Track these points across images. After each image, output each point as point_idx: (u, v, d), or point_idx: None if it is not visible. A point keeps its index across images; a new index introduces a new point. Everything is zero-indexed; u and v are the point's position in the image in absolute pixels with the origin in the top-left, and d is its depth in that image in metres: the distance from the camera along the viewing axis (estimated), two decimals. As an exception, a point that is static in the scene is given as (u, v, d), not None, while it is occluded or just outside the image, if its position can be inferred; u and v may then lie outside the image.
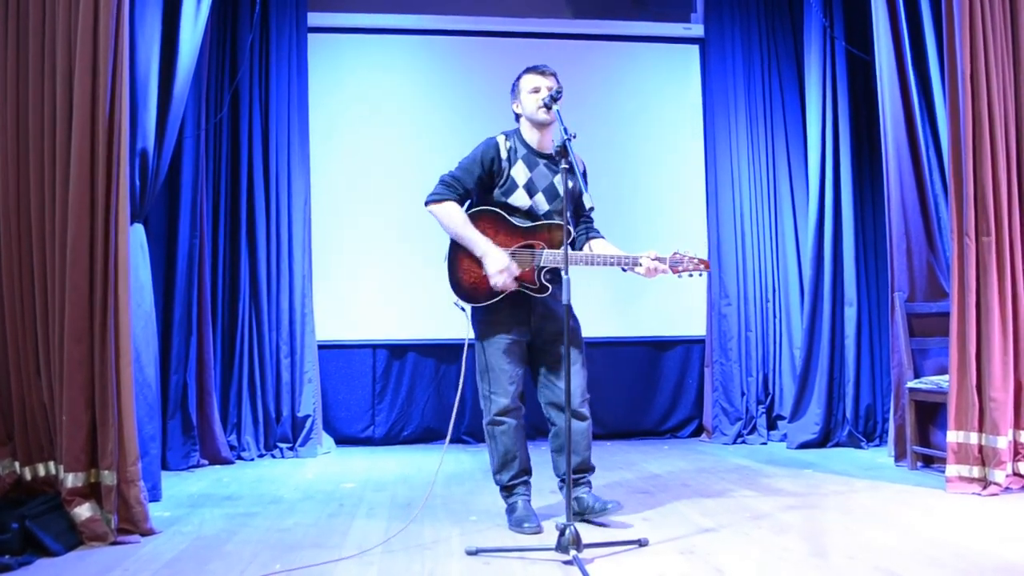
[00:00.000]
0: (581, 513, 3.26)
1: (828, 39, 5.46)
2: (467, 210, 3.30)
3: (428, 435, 5.74)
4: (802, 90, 5.82)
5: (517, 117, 3.39)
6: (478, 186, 3.29)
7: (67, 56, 3.15)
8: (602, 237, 3.46)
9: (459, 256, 3.25)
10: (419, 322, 5.71)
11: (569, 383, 2.89)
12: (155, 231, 4.68)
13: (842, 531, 3.08)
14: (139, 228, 3.75)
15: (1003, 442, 3.67)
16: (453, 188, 3.25)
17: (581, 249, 3.41)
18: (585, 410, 3.35)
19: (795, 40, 5.94)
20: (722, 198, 5.86)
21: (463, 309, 3.27)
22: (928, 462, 4.39)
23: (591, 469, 3.41)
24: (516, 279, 3.19)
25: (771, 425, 5.73)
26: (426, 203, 3.28)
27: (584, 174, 3.43)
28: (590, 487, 3.37)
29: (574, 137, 2.97)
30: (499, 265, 3.15)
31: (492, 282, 3.16)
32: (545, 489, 3.81)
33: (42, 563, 2.79)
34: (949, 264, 4.13)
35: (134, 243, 3.57)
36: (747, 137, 5.89)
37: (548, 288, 3.22)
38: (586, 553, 2.73)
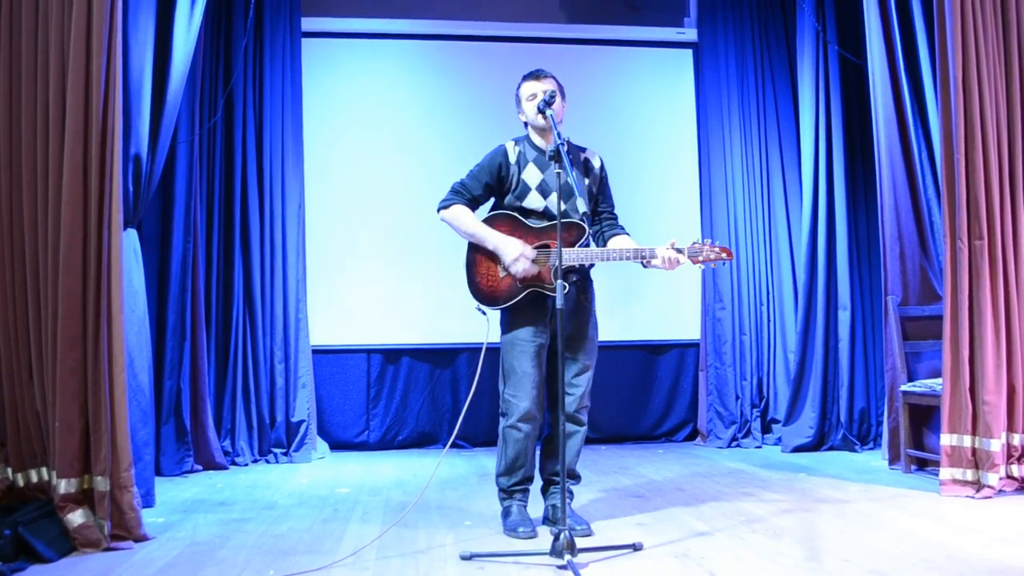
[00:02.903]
0: (554, 522, 3.22)
1: (821, 43, 5.48)
2: (484, 215, 3.35)
3: (423, 440, 5.74)
4: (795, 94, 5.85)
5: (525, 124, 3.42)
6: (487, 193, 3.34)
7: (60, 61, 3.14)
8: (626, 234, 3.45)
9: (476, 260, 3.29)
10: (413, 327, 5.71)
11: (563, 383, 2.90)
12: (149, 236, 4.66)
13: (836, 534, 3.09)
14: (132, 233, 3.74)
15: (996, 445, 3.68)
16: (460, 194, 3.32)
17: (605, 245, 3.41)
18: (582, 416, 3.34)
19: (788, 44, 5.96)
20: (716, 202, 5.88)
21: (484, 313, 3.28)
22: (922, 465, 4.40)
23: (576, 478, 3.41)
24: (534, 279, 3.19)
25: (765, 429, 5.74)
26: (437, 210, 3.36)
27: (602, 170, 3.44)
28: (571, 496, 3.38)
29: (567, 141, 2.98)
30: (513, 252, 3.18)
31: (512, 270, 3.18)
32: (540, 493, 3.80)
33: (35, 570, 2.78)
34: (942, 268, 4.14)
35: (127, 248, 3.56)
36: (741, 141, 5.91)
37: (565, 287, 3.22)
38: (580, 558, 2.73)
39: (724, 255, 3.24)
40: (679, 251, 3.20)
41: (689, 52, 6.20)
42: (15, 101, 3.19)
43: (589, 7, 6.14)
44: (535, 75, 3.35)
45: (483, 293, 3.27)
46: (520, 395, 3.24)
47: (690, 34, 6.12)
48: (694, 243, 3.25)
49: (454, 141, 5.74)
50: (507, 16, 6.01)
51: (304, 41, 5.67)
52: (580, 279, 3.30)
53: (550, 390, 3.37)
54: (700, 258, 3.23)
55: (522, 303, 3.25)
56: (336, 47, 5.91)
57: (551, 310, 3.29)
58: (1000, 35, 3.91)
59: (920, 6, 4.36)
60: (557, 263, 3.19)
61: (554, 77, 3.36)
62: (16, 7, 3.21)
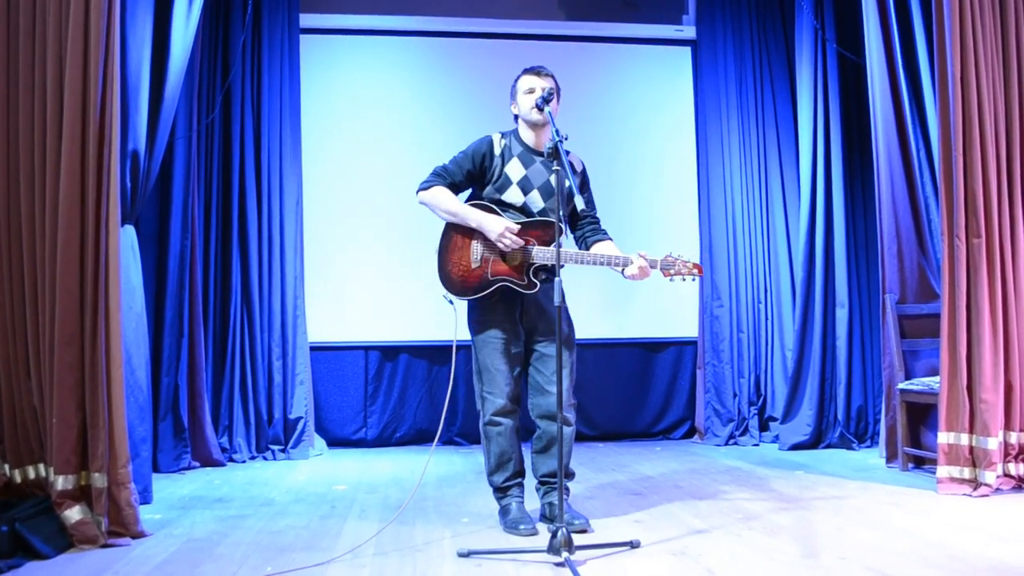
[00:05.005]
0: (551, 519, 3.21)
1: (819, 41, 5.48)
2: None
3: (420, 437, 5.74)
4: (794, 91, 5.84)
5: (516, 118, 3.41)
6: (468, 180, 3.33)
7: (58, 57, 3.13)
8: (608, 239, 3.44)
9: (449, 248, 3.27)
10: (411, 323, 5.70)
11: (560, 386, 2.88)
12: (146, 232, 4.65)
13: (833, 532, 3.09)
14: (130, 229, 3.74)
15: (993, 443, 3.69)
16: (442, 177, 3.31)
17: (588, 250, 3.41)
18: (571, 416, 3.31)
19: (787, 42, 5.96)
20: (714, 199, 5.88)
21: (452, 303, 3.27)
22: (919, 463, 4.41)
23: (571, 475, 3.41)
24: (506, 273, 3.19)
25: (763, 426, 5.75)
26: (417, 191, 3.33)
27: (583, 174, 3.45)
28: (568, 493, 3.37)
29: (565, 139, 2.97)
30: (499, 228, 3.17)
31: (500, 246, 3.17)
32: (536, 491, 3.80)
33: (32, 566, 2.77)
34: (940, 265, 4.14)
35: (125, 245, 3.56)
36: (739, 138, 5.91)
37: (536, 285, 3.22)
38: (578, 555, 2.73)
39: (696, 271, 3.24)
40: (651, 263, 3.20)
41: (688, 49, 6.19)
42: (12, 98, 3.18)
43: (588, 4, 6.13)
44: (536, 71, 3.33)
45: (453, 282, 3.25)
46: (495, 391, 3.25)
47: (688, 31, 6.12)
48: (667, 256, 3.24)
49: (453, 138, 5.68)
50: (506, 13, 6.00)
51: (302, 37, 5.66)
52: (550, 276, 3.26)
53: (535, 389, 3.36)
54: (672, 271, 3.23)
55: (492, 299, 3.24)
56: (334, 43, 5.90)
57: (524, 307, 3.29)
58: (998, 33, 3.92)
59: (919, 4, 4.36)
60: (533, 261, 3.20)
61: (553, 76, 3.35)
62: (14, 3, 3.20)
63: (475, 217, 3.21)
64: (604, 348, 5.92)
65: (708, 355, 5.79)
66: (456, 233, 3.27)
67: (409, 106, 5.90)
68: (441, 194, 3.28)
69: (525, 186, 3.28)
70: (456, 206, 3.25)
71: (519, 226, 3.20)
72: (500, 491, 3.33)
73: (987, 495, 3.66)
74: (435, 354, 5.77)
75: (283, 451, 5.24)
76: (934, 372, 4.34)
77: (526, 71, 3.35)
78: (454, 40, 5.99)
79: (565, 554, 2.67)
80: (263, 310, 5.35)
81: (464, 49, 5.98)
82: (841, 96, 5.47)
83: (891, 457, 4.57)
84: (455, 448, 5.61)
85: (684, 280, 3.27)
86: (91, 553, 2.94)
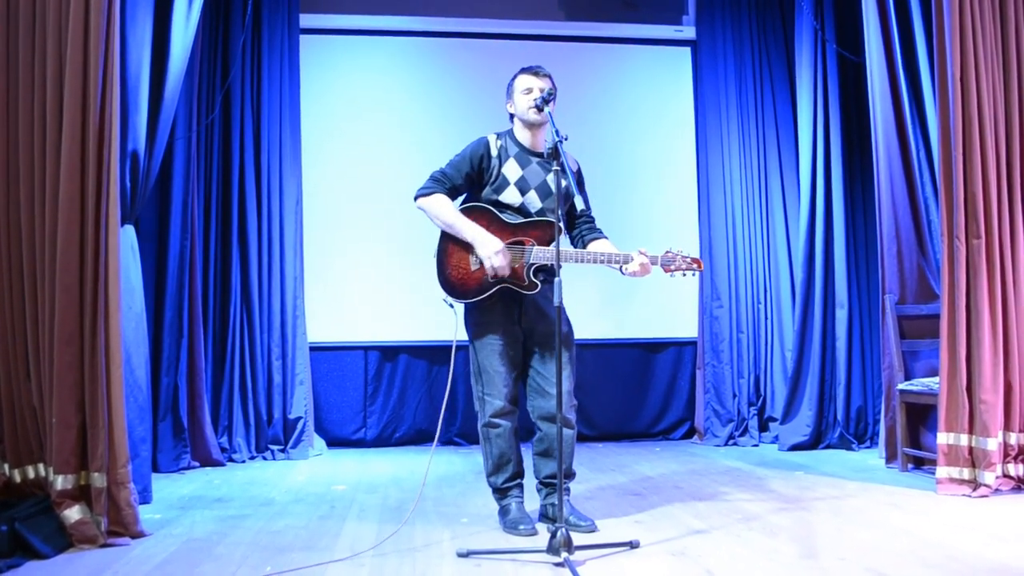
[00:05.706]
0: (552, 520, 3.19)
1: (819, 41, 5.48)
2: (458, 206, 3.31)
3: (420, 437, 5.74)
4: (793, 92, 5.85)
5: (511, 117, 3.40)
6: (467, 183, 3.31)
7: (58, 57, 3.13)
8: (604, 238, 3.44)
9: (448, 251, 3.25)
10: (411, 324, 5.70)
11: (560, 388, 2.87)
12: (146, 232, 4.65)
13: (833, 533, 3.09)
14: (130, 229, 3.73)
15: (993, 444, 3.69)
16: (441, 183, 3.28)
17: (585, 249, 3.40)
18: (571, 417, 3.31)
19: (786, 42, 5.96)
20: (714, 200, 5.88)
21: (452, 306, 3.27)
22: (919, 464, 4.41)
23: (572, 475, 3.41)
24: (507, 274, 3.18)
25: (763, 427, 5.75)
26: (415, 198, 3.30)
27: (578, 174, 3.43)
28: (568, 494, 3.37)
29: (565, 139, 2.97)
30: (491, 248, 3.15)
31: (488, 265, 3.15)
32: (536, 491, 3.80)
33: (31, 566, 2.77)
34: (939, 266, 4.14)
35: (125, 245, 3.56)
36: (739, 139, 5.91)
37: (537, 285, 3.22)
38: (577, 555, 2.73)
39: (696, 266, 3.25)
40: (651, 259, 3.20)
41: (687, 50, 6.19)
42: (12, 97, 3.18)
43: (587, 4, 6.13)
44: (534, 71, 3.33)
45: (453, 285, 3.24)
46: (494, 393, 3.24)
47: (688, 32, 6.12)
48: (667, 251, 3.25)
49: (452, 138, 5.66)
50: (506, 13, 6.00)
51: (302, 38, 5.66)
52: (549, 276, 3.27)
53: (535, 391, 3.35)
54: (672, 267, 3.24)
55: (491, 301, 3.23)
56: (334, 44, 5.90)
57: (523, 308, 3.28)
58: (998, 33, 3.92)
59: (919, 5, 4.36)
60: (533, 261, 3.20)
61: (551, 76, 3.35)
62: (14, 3, 3.20)
63: (470, 233, 3.19)
64: (603, 348, 5.92)
65: (708, 355, 5.79)
66: (453, 237, 3.26)
67: (408, 106, 5.90)
68: (439, 202, 3.25)
69: (522, 186, 3.28)
70: (453, 217, 3.23)
71: (511, 252, 3.19)
72: (499, 492, 3.33)
73: (986, 496, 3.66)
74: (435, 354, 5.76)
75: (283, 451, 5.23)
76: (934, 373, 4.34)
77: (523, 71, 3.35)
78: (454, 40, 5.99)
79: (564, 554, 2.67)
80: (263, 310, 5.35)
81: (463, 49, 5.99)
82: (841, 97, 5.47)
83: (891, 458, 4.57)
84: (454, 448, 5.61)
85: (685, 275, 3.27)
86: (90, 553, 2.94)
